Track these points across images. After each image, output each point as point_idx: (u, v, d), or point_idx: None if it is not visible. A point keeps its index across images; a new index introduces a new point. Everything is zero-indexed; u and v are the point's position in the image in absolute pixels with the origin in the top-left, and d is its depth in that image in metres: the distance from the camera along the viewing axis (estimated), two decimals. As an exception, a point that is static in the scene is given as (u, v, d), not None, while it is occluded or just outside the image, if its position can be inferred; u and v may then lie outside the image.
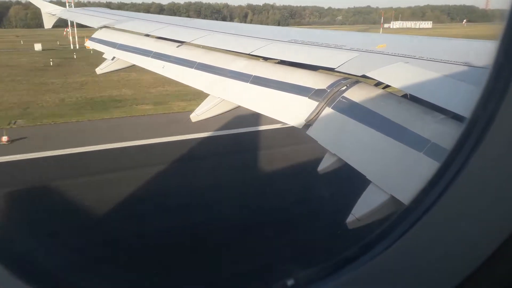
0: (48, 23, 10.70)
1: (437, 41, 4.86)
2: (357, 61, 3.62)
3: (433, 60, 3.22)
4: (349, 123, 2.96)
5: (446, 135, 2.28)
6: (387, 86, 3.32)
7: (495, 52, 1.11)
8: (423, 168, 2.16)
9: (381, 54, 3.64)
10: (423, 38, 5.21)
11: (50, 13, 10.57)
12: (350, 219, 2.34)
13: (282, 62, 4.38)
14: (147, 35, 6.83)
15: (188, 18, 9.91)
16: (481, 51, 3.17)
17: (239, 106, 4.31)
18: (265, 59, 4.61)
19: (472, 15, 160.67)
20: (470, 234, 1.16)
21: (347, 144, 2.90)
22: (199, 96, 4.82)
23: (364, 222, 2.30)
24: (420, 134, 2.42)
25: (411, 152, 2.36)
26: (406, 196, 2.08)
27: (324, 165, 2.88)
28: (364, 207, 2.33)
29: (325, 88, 3.43)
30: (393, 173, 2.44)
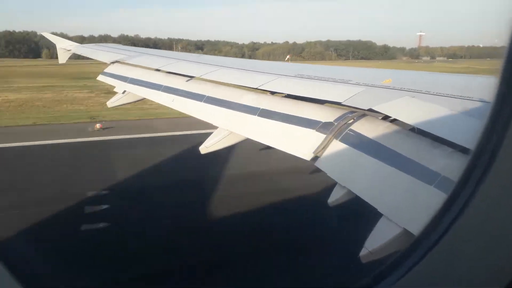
0: (62, 58, 11.15)
1: (441, 77, 4.97)
2: (363, 95, 3.70)
3: (438, 94, 3.29)
4: (358, 155, 2.99)
5: (455, 168, 2.29)
6: (393, 120, 3.37)
7: (496, 87, 1.16)
8: (434, 201, 2.16)
9: (387, 89, 3.73)
10: (427, 74, 5.33)
11: (65, 49, 10.99)
12: (363, 252, 2.31)
13: (289, 96, 4.48)
14: (158, 70, 7.04)
15: (197, 54, 10.16)
16: (484, 86, 3.24)
17: (247, 139, 4.37)
18: (273, 93, 4.72)
19: (368, 52, 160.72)
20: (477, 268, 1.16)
21: (357, 176, 2.91)
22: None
23: (377, 255, 2.27)
24: (430, 168, 2.43)
25: (422, 185, 2.36)
26: (418, 229, 2.07)
27: (334, 197, 2.88)
28: (377, 240, 2.31)
29: (332, 121, 3.49)
30: (405, 206, 2.43)
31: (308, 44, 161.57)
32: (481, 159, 1.17)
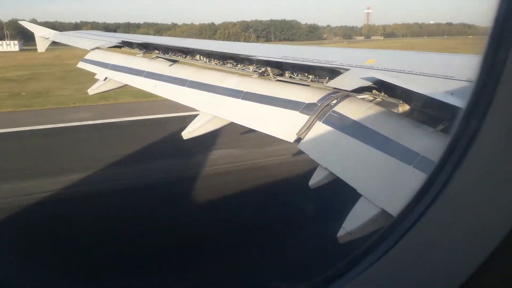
0: (41, 46, 10.83)
1: (426, 56, 4.93)
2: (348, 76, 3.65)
3: (421, 74, 3.26)
4: (340, 137, 2.97)
5: (435, 148, 2.29)
6: (376, 100, 3.35)
7: (478, 67, 1.12)
8: (413, 181, 2.15)
9: (371, 69, 3.69)
10: (413, 53, 5.29)
11: (43, 37, 10.67)
12: (341, 233, 2.31)
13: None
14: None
15: (180, 38, 9.96)
16: (468, 65, 3.22)
17: (231, 122, 4.32)
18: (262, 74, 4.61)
19: (291, 32, 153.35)
20: (461, 241, 1.16)
21: (338, 158, 2.90)
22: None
23: (355, 236, 2.27)
24: (410, 148, 2.42)
25: (401, 165, 2.36)
26: (396, 209, 2.07)
27: (316, 179, 2.87)
28: (355, 221, 2.31)
29: (315, 102, 3.45)
30: (383, 186, 2.43)
31: (225, 24, 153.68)
32: (460, 142, 1.15)
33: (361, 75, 3.56)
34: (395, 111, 3.14)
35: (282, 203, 8.57)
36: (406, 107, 3.13)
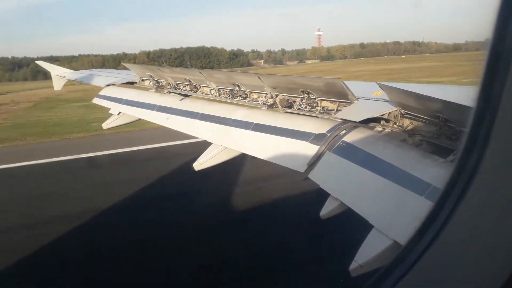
0: (57, 85, 11.09)
1: (437, 89, 4.94)
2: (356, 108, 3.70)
3: None
4: (350, 167, 2.97)
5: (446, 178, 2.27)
6: (385, 131, 3.37)
7: (476, 98, 1.14)
8: (425, 212, 2.13)
9: (378, 101, 3.73)
10: (417, 86, 5.33)
11: (59, 76, 11.03)
12: (353, 266, 2.26)
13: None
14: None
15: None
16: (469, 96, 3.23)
17: (241, 153, 4.36)
18: (270, 106, 4.69)
19: (208, 60, 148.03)
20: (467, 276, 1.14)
21: (349, 188, 2.89)
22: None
23: (367, 268, 2.22)
24: (421, 178, 2.41)
25: (413, 196, 2.33)
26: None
27: (327, 210, 2.85)
28: (367, 253, 2.26)
29: (325, 132, 3.48)
30: (395, 217, 2.40)
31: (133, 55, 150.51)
32: (469, 161, 1.16)
33: (369, 106, 3.60)
34: (404, 142, 3.15)
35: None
36: (416, 138, 3.13)
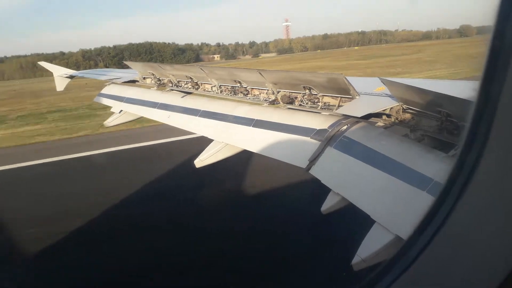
0: (60, 85, 11.03)
1: (440, 83, 4.93)
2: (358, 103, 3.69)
3: None
4: (352, 162, 2.96)
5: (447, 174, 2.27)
6: (387, 126, 3.36)
7: (475, 98, 1.14)
8: (427, 206, 2.13)
9: (380, 96, 3.72)
10: (419, 81, 5.32)
11: (62, 76, 11.03)
12: (355, 260, 2.27)
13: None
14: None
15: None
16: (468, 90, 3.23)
17: (243, 150, 4.36)
18: (272, 102, 4.69)
19: (150, 56, 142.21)
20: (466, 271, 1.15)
21: (350, 183, 2.88)
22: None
23: (370, 263, 2.23)
24: (423, 173, 2.40)
25: (415, 191, 2.34)
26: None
27: (328, 205, 2.85)
28: (369, 248, 2.27)
29: (326, 128, 3.48)
30: (397, 212, 2.40)
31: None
32: (469, 157, 1.16)
33: (371, 101, 3.59)
34: (406, 137, 3.14)
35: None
36: (417, 133, 3.13)
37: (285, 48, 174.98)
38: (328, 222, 4.92)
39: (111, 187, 12.58)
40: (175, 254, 8.10)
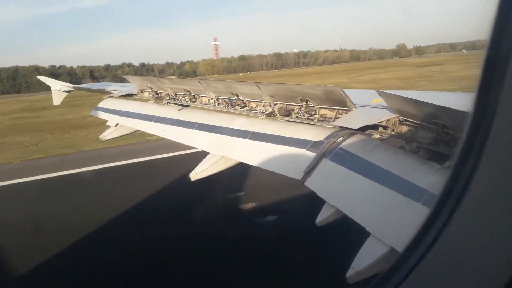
0: (57, 99, 10.99)
1: (436, 95, 4.94)
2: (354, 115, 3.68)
3: None
4: (347, 174, 2.94)
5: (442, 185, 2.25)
6: (382, 138, 3.35)
7: (472, 106, 1.14)
8: (422, 218, 2.11)
9: (377, 108, 3.72)
10: (415, 93, 5.33)
11: (59, 90, 11.04)
12: (350, 273, 2.22)
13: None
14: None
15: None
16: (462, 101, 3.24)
17: (239, 162, 4.32)
18: (269, 115, 4.66)
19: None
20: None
21: (345, 195, 2.85)
22: None
23: (364, 275, 2.18)
24: (418, 184, 2.39)
25: (410, 202, 2.31)
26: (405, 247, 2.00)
27: (323, 217, 2.81)
28: (364, 260, 2.22)
29: (322, 139, 3.46)
30: (392, 224, 2.37)
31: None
32: (465, 168, 1.14)
33: (367, 113, 3.58)
34: (401, 149, 3.13)
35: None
36: (413, 145, 3.11)
37: (187, 70, 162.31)
38: (322, 234, 4.82)
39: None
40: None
